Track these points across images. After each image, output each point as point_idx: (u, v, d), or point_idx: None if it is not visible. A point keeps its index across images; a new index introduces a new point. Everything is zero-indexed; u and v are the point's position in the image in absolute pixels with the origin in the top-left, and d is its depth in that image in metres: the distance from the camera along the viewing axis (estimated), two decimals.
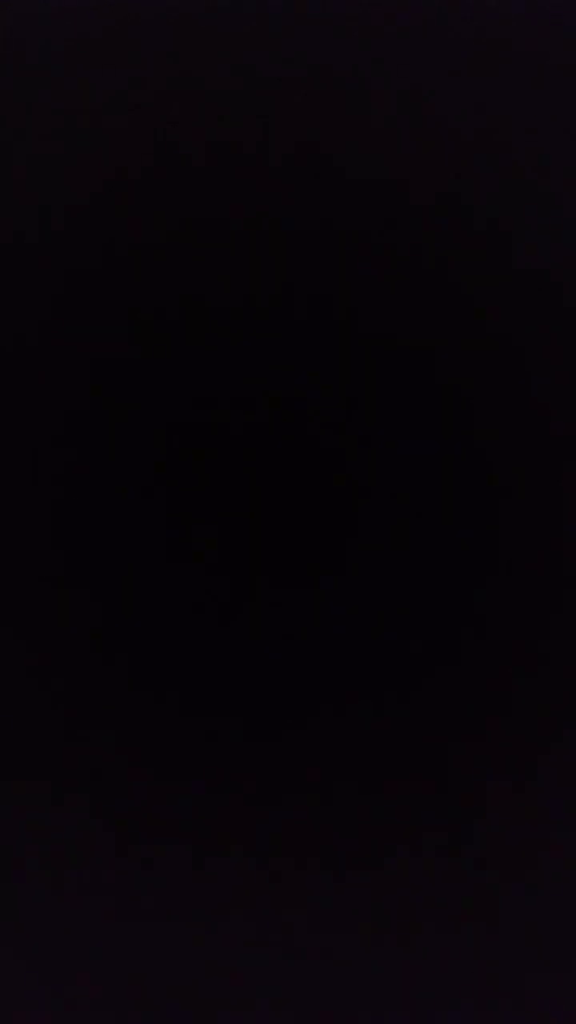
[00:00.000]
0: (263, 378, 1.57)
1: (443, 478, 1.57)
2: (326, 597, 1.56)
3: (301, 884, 1.55)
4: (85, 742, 1.56)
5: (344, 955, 1.55)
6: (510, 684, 1.56)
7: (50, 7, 1.58)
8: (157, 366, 1.58)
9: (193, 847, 1.55)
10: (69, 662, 1.57)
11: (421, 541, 1.57)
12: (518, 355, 1.58)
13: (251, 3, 1.58)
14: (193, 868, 1.55)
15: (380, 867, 1.55)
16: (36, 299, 1.59)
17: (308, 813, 1.55)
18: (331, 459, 1.57)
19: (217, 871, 1.55)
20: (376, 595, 1.56)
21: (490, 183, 1.58)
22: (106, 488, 1.58)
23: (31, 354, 1.58)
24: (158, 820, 1.55)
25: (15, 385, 1.58)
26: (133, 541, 1.57)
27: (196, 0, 1.59)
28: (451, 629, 1.56)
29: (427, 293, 1.58)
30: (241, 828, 1.55)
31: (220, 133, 1.59)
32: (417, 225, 1.58)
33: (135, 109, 1.59)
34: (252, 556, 1.57)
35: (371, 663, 1.56)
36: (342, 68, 1.59)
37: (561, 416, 1.57)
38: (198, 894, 1.55)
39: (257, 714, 1.56)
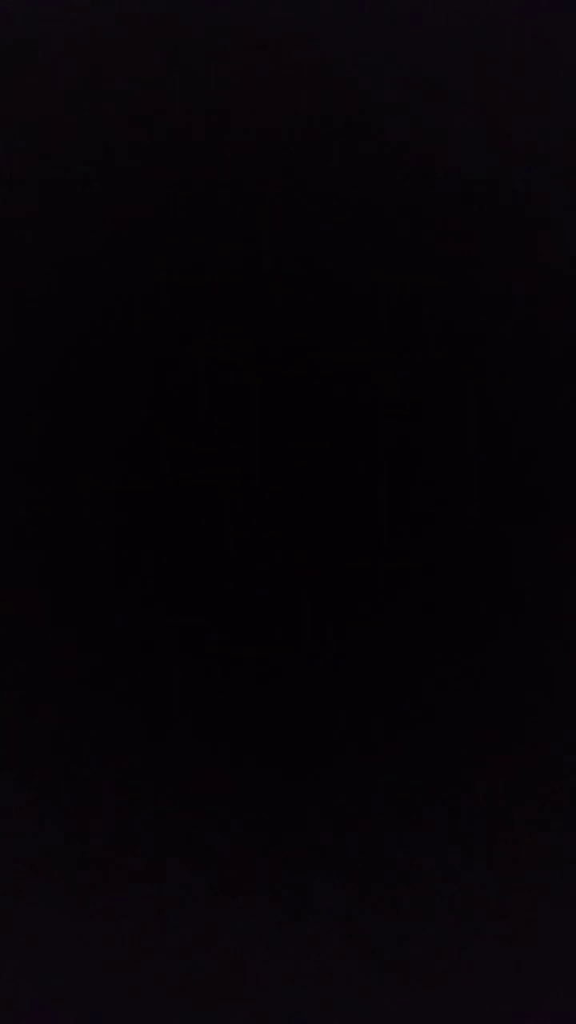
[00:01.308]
0: (262, 381, 1.57)
1: (452, 493, 1.57)
2: (327, 619, 1.56)
3: (302, 904, 1.55)
4: (83, 761, 1.56)
5: (346, 970, 1.55)
6: (516, 701, 1.55)
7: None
8: (155, 373, 1.57)
9: (192, 864, 1.55)
10: (68, 675, 1.56)
11: (428, 553, 1.57)
12: (522, 349, 1.57)
13: None
14: (193, 883, 1.55)
15: (383, 883, 1.55)
16: (31, 291, 1.59)
17: (311, 831, 1.55)
18: (332, 466, 1.57)
19: (218, 889, 1.55)
20: (380, 610, 1.56)
21: (494, 161, 1.58)
22: (104, 489, 1.57)
23: (30, 357, 1.58)
24: (158, 838, 1.55)
25: (8, 390, 1.58)
26: (125, 552, 1.57)
27: None
28: (456, 647, 1.56)
29: (430, 288, 1.57)
30: (241, 843, 1.55)
31: (218, 110, 1.59)
32: (422, 207, 1.57)
33: (133, 86, 1.59)
34: (250, 561, 1.56)
35: (373, 678, 1.56)
36: (344, 46, 1.58)
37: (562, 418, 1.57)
38: (201, 915, 1.55)
39: (255, 728, 1.56)
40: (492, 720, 1.55)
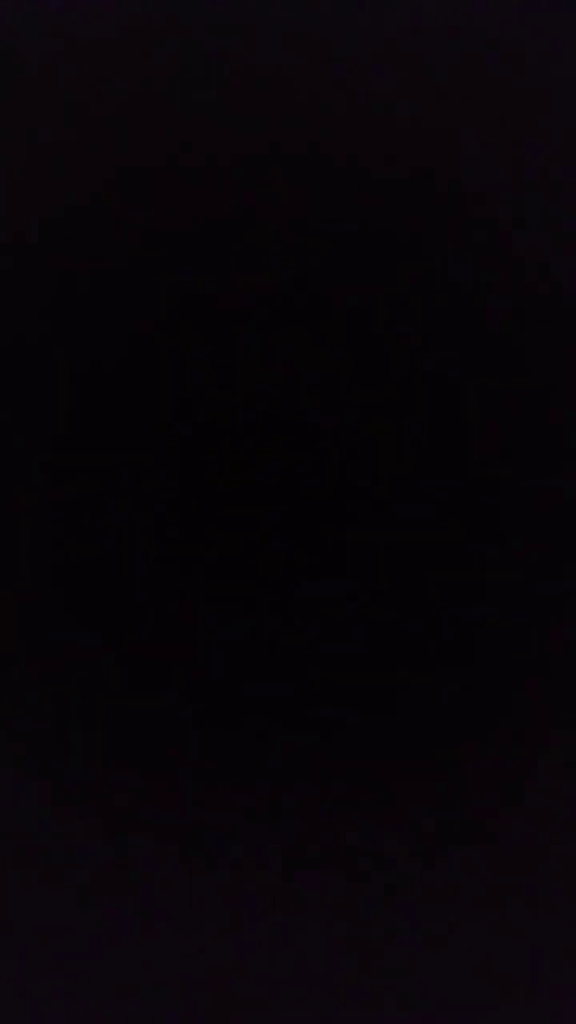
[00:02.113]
0: (263, 388, 1.57)
1: (444, 488, 1.57)
2: (323, 607, 1.56)
3: (300, 895, 1.55)
4: (83, 747, 1.56)
5: (345, 967, 1.55)
6: (511, 695, 1.55)
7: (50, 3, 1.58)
8: (160, 375, 1.57)
9: (192, 857, 1.55)
10: (68, 665, 1.56)
11: (421, 545, 1.57)
12: (519, 354, 1.58)
13: None
14: (192, 880, 1.55)
15: (379, 880, 1.55)
16: (34, 303, 1.59)
17: (308, 822, 1.55)
18: (331, 472, 1.57)
19: (215, 884, 1.55)
20: (376, 601, 1.56)
21: (493, 172, 1.58)
22: (104, 489, 1.57)
23: (29, 359, 1.58)
24: (157, 832, 1.55)
25: (11, 392, 1.58)
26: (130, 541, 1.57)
27: None
28: (449, 642, 1.56)
29: (432, 292, 1.58)
30: (239, 840, 1.55)
31: (219, 123, 1.59)
32: (422, 221, 1.57)
33: (136, 99, 1.59)
34: (249, 559, 1.56)
35: (373, 677, 1.56)
36: (344, 56, 1.58)
37: (563, 418, 1.57)
38: (198, 907, 1.55)
39: (254, 716, 1.56)
40: (492, 719, 1.55)
